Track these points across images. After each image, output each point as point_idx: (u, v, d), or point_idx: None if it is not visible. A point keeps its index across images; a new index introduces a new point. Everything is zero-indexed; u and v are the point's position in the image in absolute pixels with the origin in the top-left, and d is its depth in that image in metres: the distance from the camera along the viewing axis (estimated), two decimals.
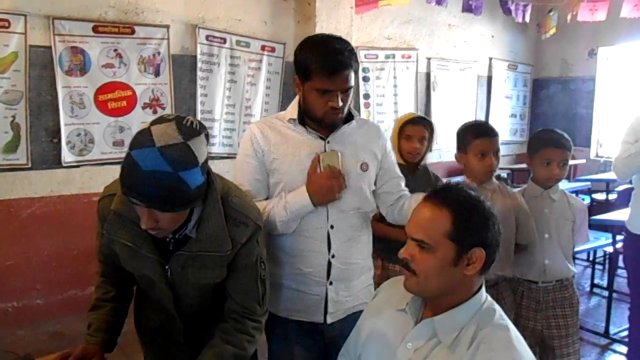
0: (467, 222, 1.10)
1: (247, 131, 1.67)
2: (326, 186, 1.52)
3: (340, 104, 1.51)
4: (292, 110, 1.63)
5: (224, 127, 4.16)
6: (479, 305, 1.14)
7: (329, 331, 1.63)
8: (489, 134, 2.02)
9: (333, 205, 1.59)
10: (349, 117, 1.64)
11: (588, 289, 4.23)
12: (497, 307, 1.16)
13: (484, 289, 1.18)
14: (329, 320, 1.62)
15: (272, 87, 4.37)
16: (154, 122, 1.19)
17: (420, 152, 2.38)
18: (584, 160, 5.67)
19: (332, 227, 1.59)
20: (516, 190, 2.23)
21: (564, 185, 3.88)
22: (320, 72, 1.48)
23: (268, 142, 1.60)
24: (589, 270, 4.47)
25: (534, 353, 2.16)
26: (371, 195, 1.68)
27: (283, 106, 4.37)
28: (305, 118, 1.60)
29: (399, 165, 2.36)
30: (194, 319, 1.48)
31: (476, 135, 2.01)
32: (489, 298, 1.18)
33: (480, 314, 1.13)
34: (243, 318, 1.40)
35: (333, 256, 1.60)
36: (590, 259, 4.50)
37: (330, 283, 1.61)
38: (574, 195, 2.31)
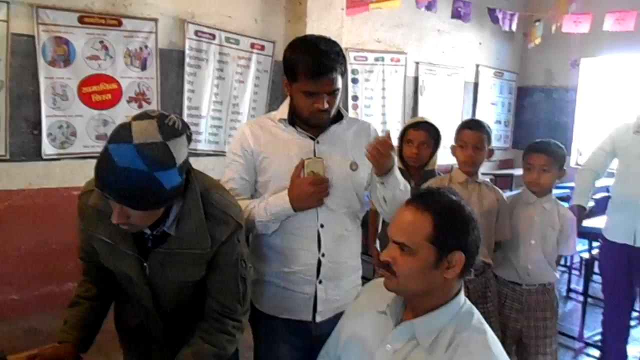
0: (448, 226, 1.12)
1: (238, 130, 1.70)
2: (307, 192, 1.52)
3: (326, 105, 1.52)
4: (283, 110, 1.64)
5: (211, 124, 4.14)
6: (458, 308, 1.16)
7: (317, 330, 1.63)
8: (471, 127, 2.16)
9: (323, 204, 1.58)
10: (339, 117, 1.64)
11: (564, 293, 4.31)
12: (475, 310, 1.18)
13: (462, 292, 1.19)
14: (318, 319, 1.63)
15: (261, 85, 4.36)
16: (136, 117, 1.17)
17: (420, 157, 2.38)
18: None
19: (322, 225, 1.59)
20: (507, 194, 2.33)
21: None
22: (305, 74, 1.49)
23: (258, 141, 1.61)
24: (565, 276, 4.54)
25: (510, 352, 2.24)
26: (361, 195, 1.68)
27: (271, 105, 4.36)
28: (295, 118, 1.61)
29: (400, 169, 2.40)
30: (174, 317, 1.47)
31: (462, 127, 2.19)
32: (468, 302, 1.19)
33: (459, 317, 1.14)
34: (223, 317, 1.39)
35: (323, 255, 1.60)
36: (567, 264, 4.58)
37: (320, 282, 1.61)
38: (565, 205, 2.36)
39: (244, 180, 1.62)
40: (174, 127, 1.17)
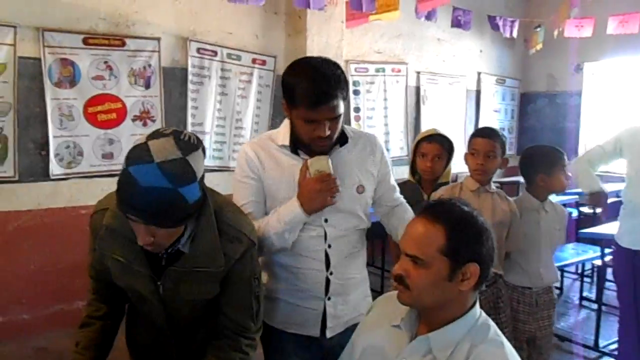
0: (461, 238, 1.10)
1: (241, 152, 1.61)
2: (315, 191, 1.45)
3: (328, 132, 1.45)
4: (284, 134, 1.57)
5: (215, 140, 4.15)
6: (474, 320, 1.14)
7: (327, 342, 1.62)
8: (483, 135, 2.15)
9: (330, 227, 1.57)
10: (343, 138, 1.58)
11: (577, 301, 4.25)
12: (491, 323, 1.16)
13: (478, 304, 1.18)
14: (328, 335, 1.61)
15: (263, 100, 4.38)
16: (150, 137, 1.16)
17: (435, 171, 2.35)
18: (570, 174, 5.73)
19: (329, 246, 1.58)
20: None
21: (551, 198, 3.95)
22: (304, 103, 1.41)
23: (262, 165, 1.56)
24: (577, 283, 4.49)
25: (523, 355, 2.26)
26: (368, 213, 1.67)
27: (274, 119, 4.38)
28: (298, 143, 1.55)
29: (414, 183, 2.39)
30: (187, 335, 1.46)
31: (474, 135, 2.20)
32: (483, 314, 1.18)
33: (475, 330, 1.13)
34: (236, 335, 1.38)
35: (331, 273, 1.59)
36: (579, 271, 4.53)
37: (329, 298, 1.60)
38: (555, 202, 2.41)
39: (257, 203, 1.57)
40: (190, 142, 1.18)
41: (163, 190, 1.11)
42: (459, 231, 1.10)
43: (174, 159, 1.13)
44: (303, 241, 1.56)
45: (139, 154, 1.13)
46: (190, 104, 3.97)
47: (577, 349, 3.37)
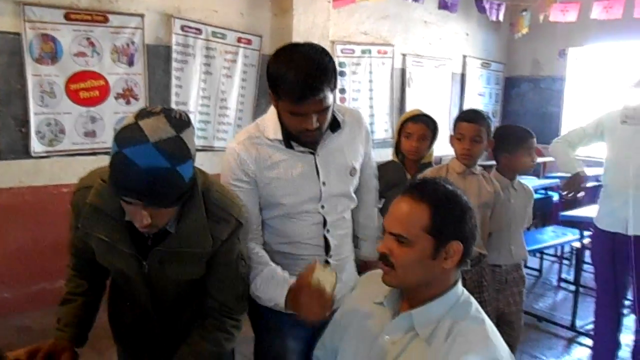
0: (445, 216, 1.12)
1: (230, 152, 1.52)
2: (306, 305, 1.33)
3: (316, 124, 1.41)
4: (275, 127, 1.51)
5: (199, 119, 4.11)
6: (456, 298, 1.17)
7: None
8: (468, 119, 2.13)
9: (327, 213, 1.57)
10: (335, 123, 1.55)
11: (555, 283, 4.35)
12: (473, 300, 1.19)
13: (460, 282, 1.20)
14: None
15: (248, 79, 4.34)
16: (140, 116, 1.13)
17: (420, 151, 2.36)
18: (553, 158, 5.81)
19: (328, 231, 1.59)
20: None
21: (533, 182, 4.00)
22: (289, 97, 1.35)
23: (258, 165, 1.50)
24: (556, 265, 4.59)
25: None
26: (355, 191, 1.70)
27: (259, 99, 4.34)
28: (290, 135, 1.49)
29: (398, 163, 2.41)
30: (171, 315, 1.46)
31: (460, 118, 2.17)
32: (465, 292, 1.20)
33: (457, 307, 1.15)
34: (222, 316, 1.38)
35: (330, 256, 1.61)
36: (558, 254, 4.63)
37: None
38: (524, 182, 2.44)
39: (252, 208, 1.50)
40: (181, 119, 1.16)
41: (162, 169, 1.09)
42: (443, 210, 1.12)
43: (169, 138, 1.11)
44: (302, 230, 1.56)
45: (132, 134, 1.10)
46: (174, 82, 3.91)
47: (555, 329, 3.46)
